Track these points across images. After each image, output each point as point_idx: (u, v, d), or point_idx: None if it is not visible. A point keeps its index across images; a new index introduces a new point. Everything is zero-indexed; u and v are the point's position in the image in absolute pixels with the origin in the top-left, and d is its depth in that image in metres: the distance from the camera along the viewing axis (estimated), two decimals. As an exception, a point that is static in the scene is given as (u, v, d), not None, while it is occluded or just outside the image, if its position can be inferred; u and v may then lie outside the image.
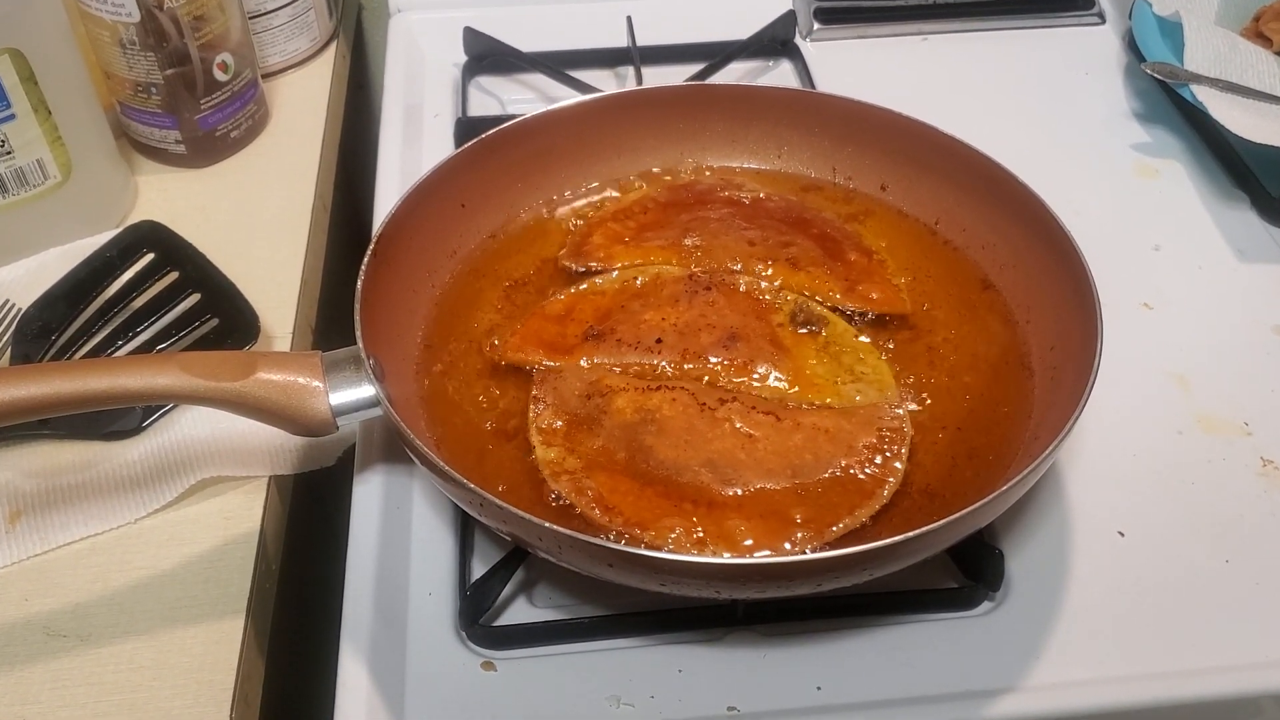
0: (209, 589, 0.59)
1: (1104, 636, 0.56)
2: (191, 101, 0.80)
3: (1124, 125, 0.86)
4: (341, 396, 0.55)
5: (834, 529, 0.54)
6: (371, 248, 0.60)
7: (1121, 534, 0.60)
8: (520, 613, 0.57)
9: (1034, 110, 0.86)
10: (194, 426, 0.65)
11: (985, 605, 0.57)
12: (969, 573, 0.57)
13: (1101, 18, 0.95)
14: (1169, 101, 0.86)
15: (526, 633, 0.56)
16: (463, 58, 0.90)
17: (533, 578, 0.59)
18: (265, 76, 0.89)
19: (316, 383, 0.55)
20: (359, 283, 0.59)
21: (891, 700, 0.53)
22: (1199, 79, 0.79)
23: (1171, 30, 0.84)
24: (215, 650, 0.56)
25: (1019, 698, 0.53)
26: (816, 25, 0.93)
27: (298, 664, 0.67)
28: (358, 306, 0.57)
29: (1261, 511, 0.61)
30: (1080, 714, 0.54)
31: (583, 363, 0.61)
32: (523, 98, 0.88)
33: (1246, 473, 0.63)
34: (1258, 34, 0.85)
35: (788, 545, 0.53)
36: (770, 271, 0.65)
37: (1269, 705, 0.56)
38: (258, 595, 0.59)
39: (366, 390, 0.55)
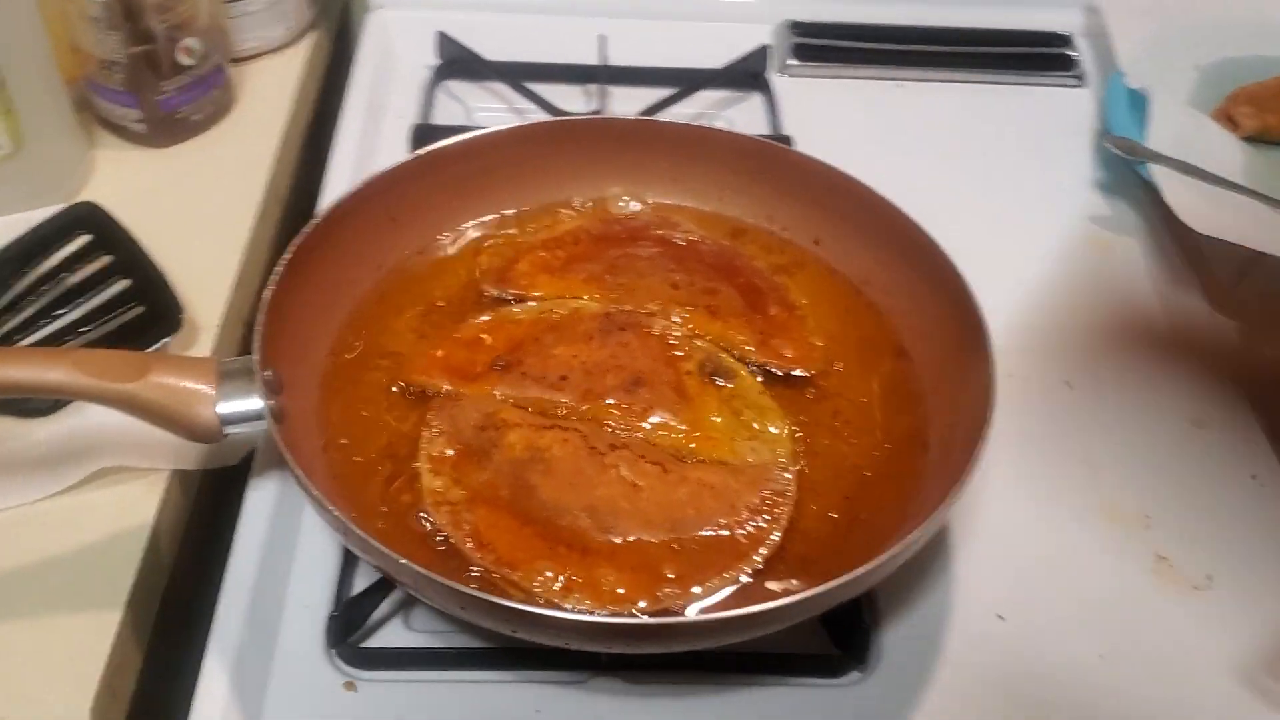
0: (94, 578, 0.59)
1: (968, 717, 0.56)
2: (154, 82, 0.80)
3: (1085, 194, 0.85)
4: (230, 406, 0.55)
5: (700, 587, 0.54)
6: (288, 256, 0.60)
7: (1001, 617, 0.60)
8: (395, 635, 0.58)
9: (999, 167, 0.86)
10: (106, 412, 0.65)
11: (854, 675, 0.57)
12: (838, 642, 0.57)
13: (1081, 80, 0.94)
14: (1134, 174, 0.86)
15: (392, 656, 0.56)
16: (435, 61, 0.90)
17: (411, 600, 0.59)
18: (237, 61, 0.89)
19: (208, 389, 0.55)
20: (268, 290, 0.59)
21: (746, 764, 0.54)
22: (1159, 158, 0.78)
23: (1141, 104, 0.83)
24: (90, 641, 0.57)
25: (872, 775, 0.54)
26: (792, 61, 0.92)
27: (186, 664, 0.67)
28: (262, 316, 0.58)
29: (1146, 609, 0.61)
30: (929, 796, 0.54)
31: (488, 392, 0.61)
32: (489, 106, 0.88)
33: (1138, 567, 0.62)
34: (1227, 116, 0.85)
35: (644, 603, 0.53)
36: (688, 316, 0.65)
37: (1125, 804, 0.56)
38: (141, 589, 0.59)
39: (255, 403, 0.55)
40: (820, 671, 0.57)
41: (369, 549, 0.50)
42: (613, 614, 0.52)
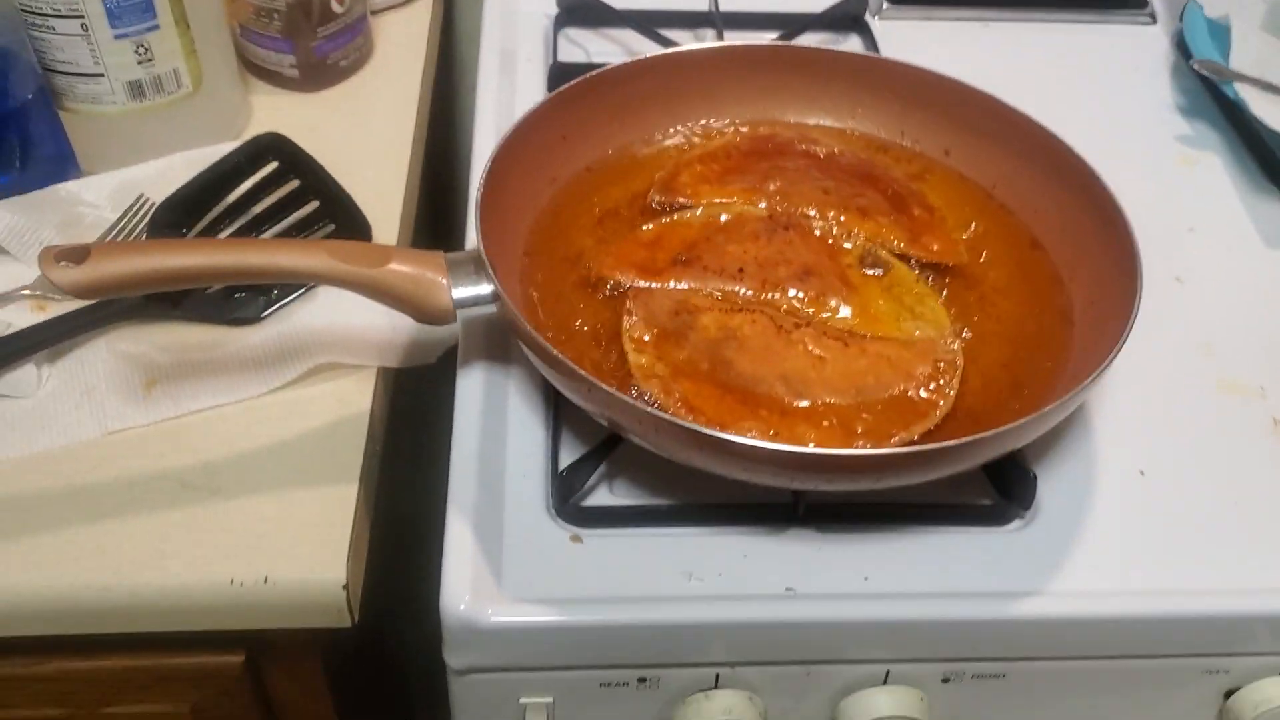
0: (325, 459, 0.65)
1: (1121, 556, 0.63)
2: (308, 29, 0.87)
3: (1168, 118, 0.92)
4: (462, 291, 0.62)
5: (891, 440, 0.60)
6: (488, 166, 0.67)
7: (1142, 472, 0.67)
8: (601, 500, 0.64)
9: (1084, 98, 0.93)
10: (310, 318, 0.72)
11: (1016, 523, 0.64)
12: (1004, 492, 0.64)
13: (1153, 18, 1.01)
14: (1211, 99, 0.93)
15: (610, 514, 0.62)
16: (554, 9, 0.96)
17: (612, 471, 0.65)
18: (371, 14, 0.96)
19: (441, 278, 0.62)
20: (477, 193, 0.65)
21: (929, 593, 0.60)
22: (1242, 78, 0.85)
23: (1218, 32, 0.91)
24: (331, 509, 0.63)
25: (1042, 600, 0.60)
26: (886, 4, 0.99)
27: (389, 527, 0.74)
28: (476, 215, 0.64)
29: (1269, 462, 0.68)
30: (1095, 619, 0.61)
31: (671, 284, 0.68)
32: (608, 50, 0.95)
33: (1258, 430, 0.69)
34: (1299, 41, 0.92)
35: (846, 449, 0.59)
36: (843, 218, 0.72)
37: (1261, 630, 0.62)
38: (368, 467, 0.66)
39: (485, 287, 0.62)
40: (988, 520, 0.64)
41: (613, 403, 0.57)
42: (822, 452, 0.59)
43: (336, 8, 0.87)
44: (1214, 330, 0.75)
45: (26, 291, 0.71)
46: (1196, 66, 0.87)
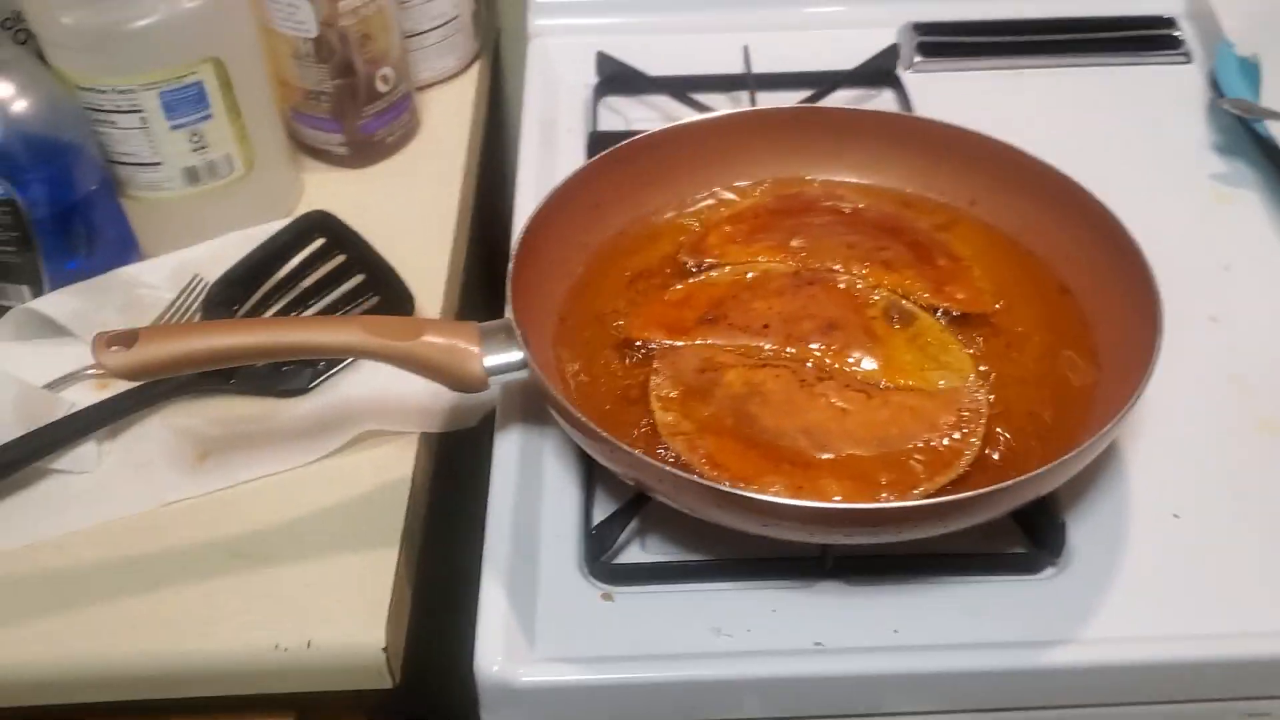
0: (368, 524, 0.68)
1: (1155, 601, 0.62)
2: (355, 109, 0.90)
3: (1204, 156, 0.92)
4: (494, 359, 0.64)
5: (915, 492, 0.61)
6: (521, 237, 0.70)
7: (1176, 516, 0.66)
8: (633, 556, 0.66)
9: (1119, 140, 0.93)
10: (355, 387, 0.75)
11: (1048, 570, 0.64)
12: (1035, 540, 0.64)
13: (1188, 57, 1.01)
14: (1247, 137, 0.92)
15: (641, 571, 0.64)
16: (594, 79, 0.99)
17: (644, 528, 0.67)
18: (416, 90, 0.99)
19: (474, 347, 0.64)
20: (510, 265, 0.68)
21: (960, 644, 0.61)
22: (1273, 115, 0.85)
23: (1250, 70, 0.91)
24: (373, 574, 0.65)
25: (1076, 649, 0.60)
26: (918, 58, 1.00)
27: (431, 588, 0.76)
28: (510, 285, 0.67)
29: (1306, 506, 0.67)
30: (1131, 665, 0.60)
31: (698, 343, 0.69)
32: (647, 116, 0.97)
33: (1295, 471, 0.69)
34: (1334, 76, 0.91)
35: (870, 503, 0.60)
36: (867, 271, 0.73)
37: (1304, 674, 0.62)
38: (410, 530, 0.68)
39: (515, 355, 0.64)
40: (1018, 568, 0.64)
41: (637, 464, 0.58)
42: (846, 507, 0.60)
43: (381, 87, 0.91)
44: (1251, 369, 0.75)
45: (91, 371, 0.75)
46: (1226, 105, 0.87)
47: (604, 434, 0.59)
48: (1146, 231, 0.69)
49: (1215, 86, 0.94)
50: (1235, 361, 0.75)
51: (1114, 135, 0.94)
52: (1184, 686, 0.62)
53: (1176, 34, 1.02)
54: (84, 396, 0.74)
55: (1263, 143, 0.88)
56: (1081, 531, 0.65)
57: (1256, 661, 0.61)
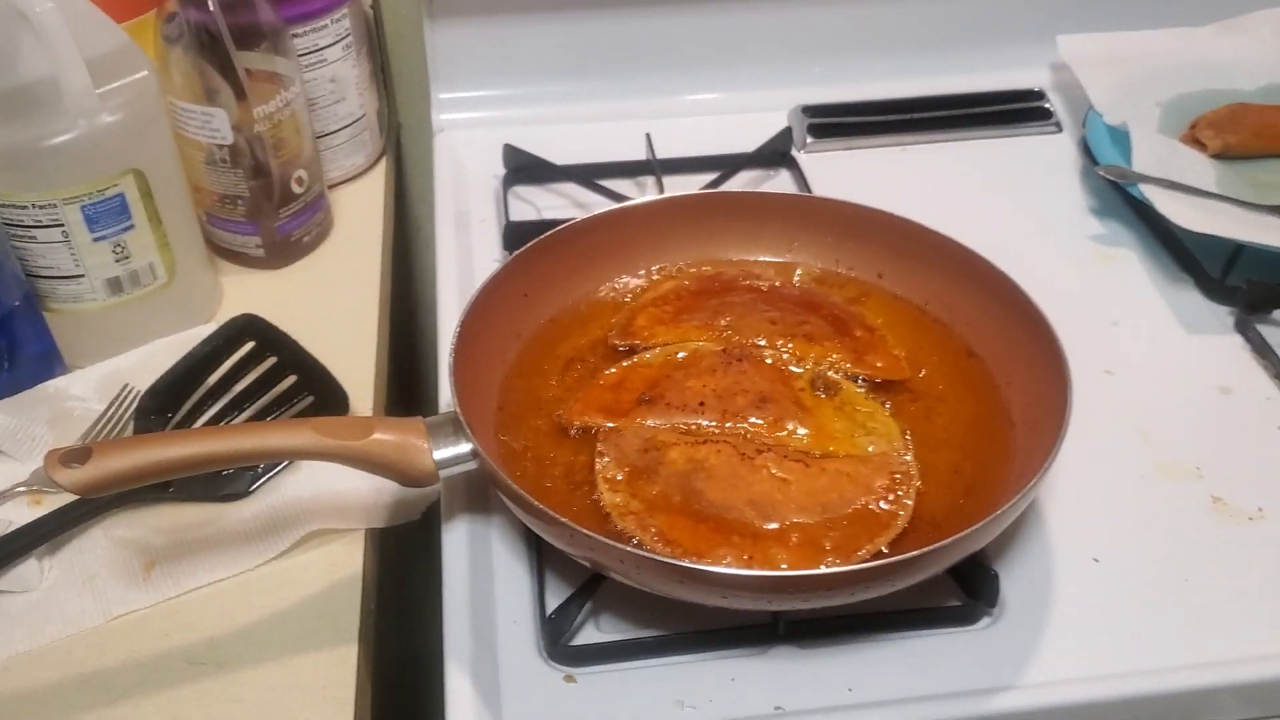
0: (323, 622, 0.68)
1: (1086, 643, 0.66)
2: (271, 211, 0.92)
3: (1082, 219, 0.99)
4: (443, 452, 0.66)
5: (859, 554, 0.64)
6: (457, 330, 0.71)
7: (1096, 560, 0.71)
8: (590, 636, 0.67)
9: (1002, 207, 0.99)
10: (297, 488, 0.75)
11: (985, 620, 0.68)
12: (970, 592, 0.68)
13: (1059, 127, 1.09)
14: (1120, 198, 0.99)
15: (601, 650, 0.66)
16: (502, 170, 1.02)
17: (597, 607, 0.69)
18: (328, 188, 1.01)
19: (423, 443, 0.66)
20: (450, 358, 0.70)
21: (910, 698, 0.64)
22: (1146, 179, 0.92)
23: (1119, 137, 0.98)
24: (334, 672, 0.65)
25: (1017, 694, 0.64)
26: (810, 139, 1.06)
27: (387, 676, 0.76)
28: (450, 379, 0.68)
29: (1213, 538, 0.72)
30: (1069, 706, 0.64)
31: (637, 423, 0.72)
32: (556, 204, 1.00)
33: (1200, 508, 0.74)
34: (1194, 140, 0.99)
35: (822, 568, 0.63)
36: (791, 345, 0.77)
37: (1227, 700, 0.66)
38: (365, 626, 0.69)
39: (464, 446, 0.66)
40: (958, 620, 0.67)
41: (595, 545, 0.60)
42: (797, 576, 0.62)
43: (296, 188, 0.92)
44: (1148, 416, 0.80)
45: (22, 488, 0.75)
46: (1102, 173, 0.94)
47: (562, 519, 0.61)
48: (1038, 292, 0.74)
49: (1088, 154, 1.01)
50: (1132, 410, 0.81)
51: (997, 202, 1.00)
52: (1118, 721, 0.66)
53: (1046, 105, 1.10)
54: (18, 514, 0.73)
55: (1138, 205, 0.95)
56: (1011, 580, 0.69)
57: (1183, 693, 0.65)
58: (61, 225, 0.77)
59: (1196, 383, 0.83)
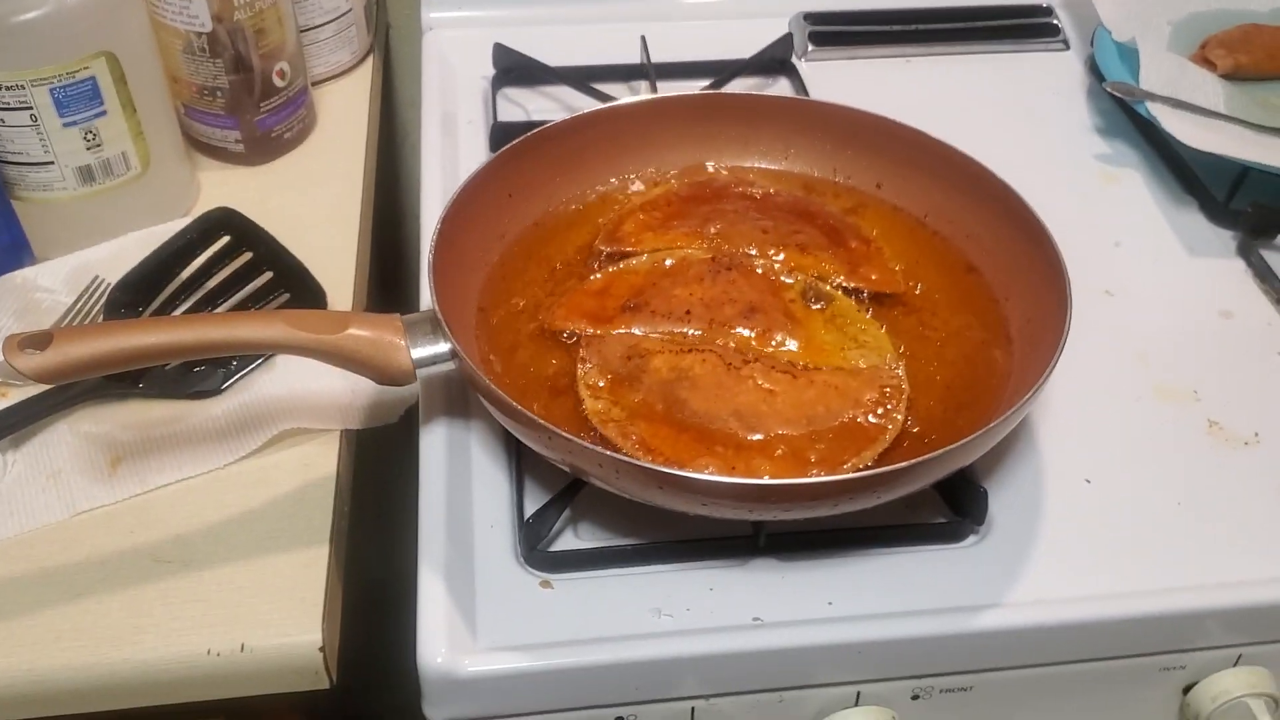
0: (294, 523, 0.67)
1: (1074, 563, 0.65)
2: (251, 105, 0.88)
3: (1087, 139, 0.96)
4: (421, 351, 0.63)
5: (844, 466, 0.63)
6: (438, 226, 0.69)
7: (1088, 481, 0.69)
8: (568, 544, 0.66)
9: (1006, 124, 0.96)
10: (270, 386, 0.73)
11: (971, 538, 0.66)
12: (957, 509, 0.66)
13: (1066, 44, 1.05)
14: (1126, 118, 0.96)
15: (578, 557, 0.64)
16: (491, 71, 0.98)
17: (575, 515, 0.67)
18: (311, 85, 0.98)
19: (399, 340, 0.63)
20: (429, 255, 0.67)
21: (892, 613, 0.62)
22: (1153, 97, 0.89)
23: (1128, 55, 0.95)
24: (304, 573, 0.64)
25: (1001, 612, 0.62)
26: (811, 47, 1.02)
27: (363, 588, 0.75)
28: (430, 276, 0.66)
29: (1208, 462, 0.70)
30: (1053, 626, 0.63)
31: (621, 331, 0.70)
32: (547, 107, 0.97)
33: (1196, 432, 0.72)
34: (1204, 59, 0.96)
35: (806, 478, 0.62)
36: (782, 255, 0.74)
37: (1213, 625, 0.65)
38: (337, 528, 0.67)
39: (443, 346, 0.63)
40: (944, 537, 0.66)
41: (574, 449, 0.59)
42: (780, 484, 0.61)
43: (278, 82, 0.89)
44: (1146, 339, 0.78)
45: (-13, 379, 0.72)
46: (1109, 88, 0.91)
47: (542, 421, 0.59)
48: (1040, 211, 0.72)
49: (1097, 71, 0.98)
50: (1131, 332, 0.79)
51: (1001, 119, 0.97)
52: (1104, 644, 0.65)
53: (1054, 21, 1.07)
54: (-18, 406, 0.71)
55: (1144, 124, 0.92)
56: (1000, 499, 0.68)
57: (1171, 616, 0.64)
58: (30, 108, 0.74)
59: (1197, 306, 0.81)
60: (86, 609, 0.62)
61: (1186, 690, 0.68)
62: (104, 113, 0.77)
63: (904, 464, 0.58)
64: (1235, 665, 0.67)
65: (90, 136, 0.77)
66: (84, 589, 0.63)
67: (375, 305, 0.88)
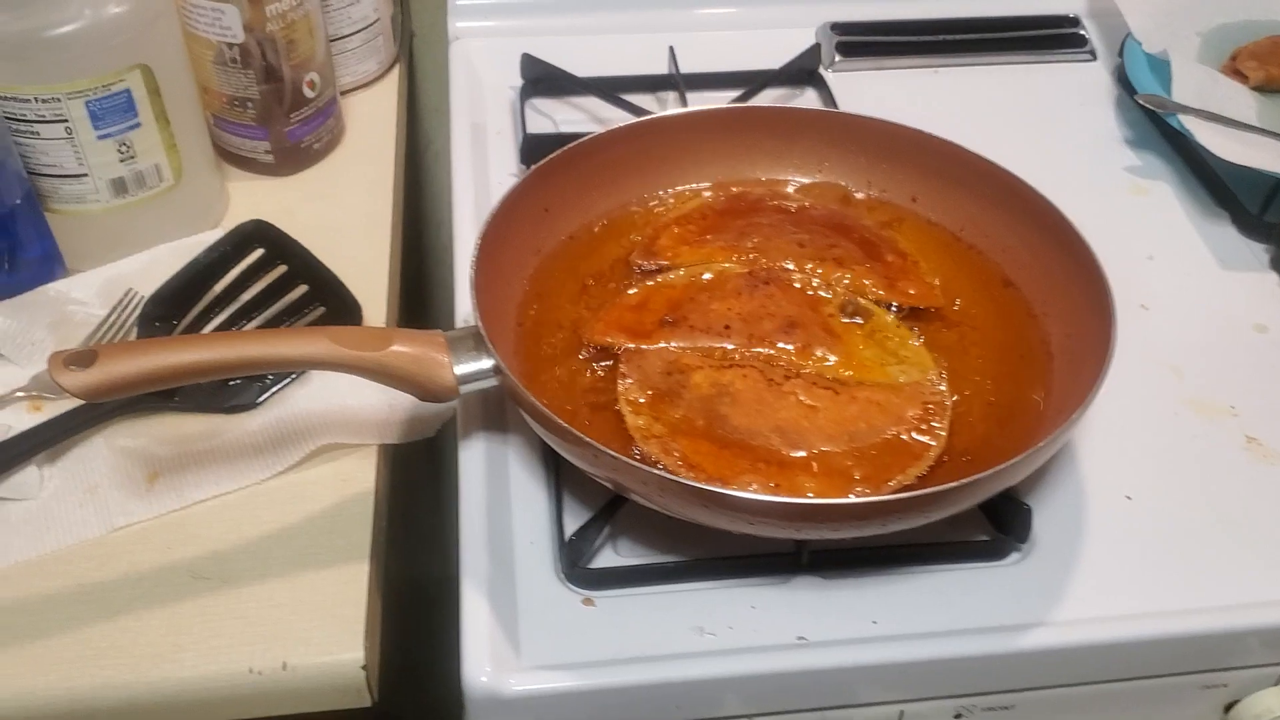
0: (333, 539, 0.66)
1: (1116, 581, 0.65)
2: (281, 115, 0.88)
3: (1116, 150, 0.95)
4: (464, 367, 0.63)
5: (889, 484, 0.62)
6: (479, 244, 0.68)
7: (1129, 497, 0.69)
8: (608, 560, 0.65)
9: (1034, 136, 0.96)
10: (306, 401, 0.73)
11: (1014, 556, 0.66)
12: (1001, 527, 0.66)
13: (1093, 55, 1.05)
14: (1156, 130, 0.96)
15: (620, 574, 0.64)
16: (519, 81, 0.98)
17: (615, 531, 0.67)
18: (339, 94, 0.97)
19: (443, 356, 0.63)
20: (471, 272, 0.67)
21: (936, 632, 0.62)
22: (1185, 109, 0.89)
23: (1158, 66, 0.94)
24: (344, 590, 0.64)
25: (1045, 631, 0.62)
26: (838, 58, 1.02)
27: (399, 599, 0.74)
28: (472, 292, 0.66)
29: (1246, 478, 0.70)
30: (1097, 645, 0.62)
31: (660, 345, 0.69)
32: (575, 118, 0.97)
33: (1234, 447, 0.72)
34: (1235, 71, 0.96)
35: (853, 497, 0.61)
36: (820, 269, 0.74)
37: (1255, 643, 0.64)
38: (377, 544, 0.67)
39: (486, 362, 0.63)
40: (987, 555, 0.66)
41: (619, 467, 0.58)
42: (826, 504, 0.60)
43: (308, 93, 0.89)
44: (1182, 353, 0.78)
45: (21, 393, 0.72)
46: (1142, 101, 0.91)
47: (586, 439, 0.58)
48: (1073, 224, 0.71)
49: (1126, 82, 0.97)
50: (1167, 347, 0.78)
51: (1028, 130, 0.97)
52: (1146, 663, 0.64)
53: (1081, 32, 1.06)
54: (18, 420, 0.71)
55: (1173, 135, 0.92)
56: (1041, 516, 0.67)
57: (1213, 635, 0.63)
58: (65, 120, 0.74)
59: (1232, 320, 0.80)
60: (125, 626, 0.62)
61: (1228, 709, 0.67)
62: (138, 125, 0.77)
63: (955, 484, 0.58)
64: (1278, 684, 0.66)
65: (124, 149, 0.77)
66: (122, 606, 0.63)
67: (402, 319, 0.88)
